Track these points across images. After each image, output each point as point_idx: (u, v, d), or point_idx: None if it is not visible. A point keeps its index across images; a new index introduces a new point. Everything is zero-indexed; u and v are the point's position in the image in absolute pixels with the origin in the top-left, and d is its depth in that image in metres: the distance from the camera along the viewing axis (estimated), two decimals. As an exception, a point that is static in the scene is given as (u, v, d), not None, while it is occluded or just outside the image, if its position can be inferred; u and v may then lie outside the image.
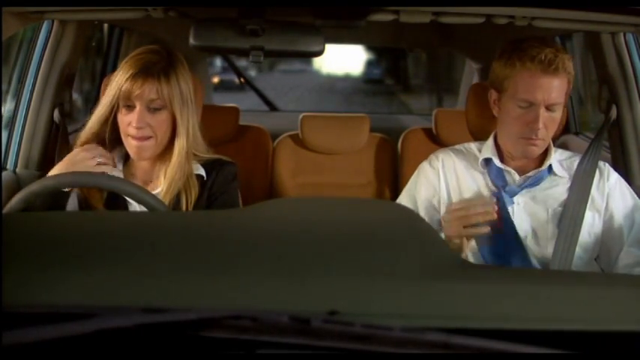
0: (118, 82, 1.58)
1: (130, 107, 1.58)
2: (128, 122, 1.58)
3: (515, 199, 1.70)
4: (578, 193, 1.69)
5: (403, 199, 1.85)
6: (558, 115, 1.67)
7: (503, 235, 1.66)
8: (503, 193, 1.69)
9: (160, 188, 1.60)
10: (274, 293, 0.78)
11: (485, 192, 1.74)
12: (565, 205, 1.69)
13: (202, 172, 1.66)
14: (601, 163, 1.76)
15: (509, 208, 1.69)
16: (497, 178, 1.73)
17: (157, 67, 1.59)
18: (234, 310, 0.72)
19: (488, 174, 1.75)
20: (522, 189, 1.70)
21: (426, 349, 0.69)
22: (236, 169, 1.72)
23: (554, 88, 1.62)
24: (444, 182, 1.78)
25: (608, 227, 1.70)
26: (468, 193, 1.75)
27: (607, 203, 1.70)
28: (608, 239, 1.70)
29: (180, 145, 1.61)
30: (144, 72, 1.57)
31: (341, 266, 0.84)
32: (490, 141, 1.78)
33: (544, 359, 0.72)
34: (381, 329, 0.70)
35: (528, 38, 1.67)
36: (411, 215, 1.04)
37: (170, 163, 1.61)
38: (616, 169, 1.80)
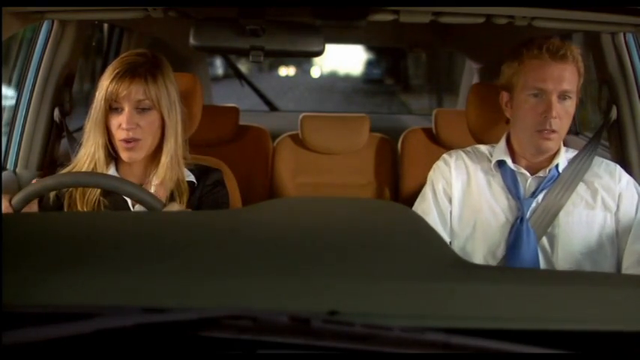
0: (103, 85, 1.58)
1: (118, 109, 1.58)
2: (118, 124, 1.58)
3: (532, 207, 1.69)
4: (561, 188, 1.69)
5: (424, 196, 1.83)
6: (571, 107, 1.66)
7: (526, 248, 1.66)
8: (522, 209, 1.69)
9: (152, 191, 1.60)
10: (274, 293, 0.78)
11: (500, 196, 1.73)
12: (545, 196, 1.69)
13: (193, 178, 1.67)
14: (612, 165, 1.76)
15: (528, 214, 1.68)
16: (510, 181, 1.72)
17: (143, 68, 1.59)
18: (234, 310, 0.72)
19: (501, 176, 1.74)
20: (537, 196, 1.70)
21: (426, 349, 0.69)
22: (221, 174, 1.74)
23: (565, 76, 1.63)
24: (457, 179, 1.77)
25: (617, 229, 1.69)
26: (479, 197, 1.74)
27: (619, 205, 1.69)
28: (620, 242, 1.69)
29: (169, 146, 1.62)
30: (130, 73, 1.58)
31: (341, 266, 0.84)
32: (502, 143, 1.77)
33: (544, 359, 0.72)
34: (381, 329, 0.70)
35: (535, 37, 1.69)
36: (411, 215, 1.04)
37: (160, 164, 1.62)
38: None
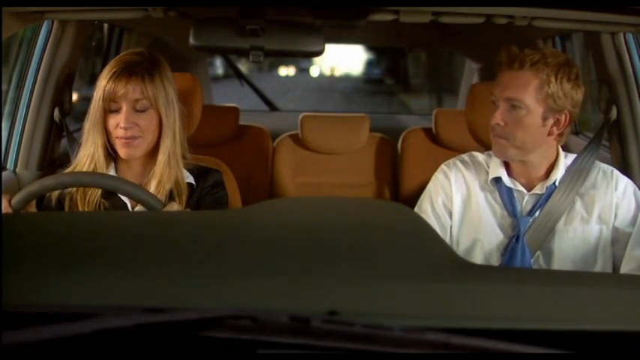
0: (101, 84, 1.58)
1: (116, 109, 1.58)
2: (116, 124, 1.58)
3: (529, 225, 1.68)
4: (558, 201, 1.67)
5: (421, 208, 1.80)
6: (524, 118, 1.61)
7: (520, 265, 1.65)
8: (518, 226, 1.68)
9: (152, 191, 1.60)
10: (274, 293, 0.78)
11: (497, 213, 1.71)
12: (549, 201, 1.67)
13: (192, 179, 1.67)
14: (608, 170, 1.73)
15: (522, 231, 1.67)
16: (507, 198, 1.70)
17: (140, 67, 1.59)
18: (234, 310, 0.71)
19: (498, 192, 1.72)
20: (534, 214, 1.68)
21: (426, 349, 0.69)
22: (221, 176, 1.73)
23: (514, 84, 1.60)
24: (457, 192, 1.75)
25: (615, 238, 1.67)
26: (478, 213, 1.72)
27: (616, 214, 1.67)
28: (618, 250, 1.67)
29: (165, 145, 1.62)
30: (127, 72, 1.58)
31: (341, 266, 0.84)
32: None
33: (544, 359, 0.72)
34: (381, 329, 0.70)
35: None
36: (411, 215, 1.04)
37: (157, 162, 1.62)
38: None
